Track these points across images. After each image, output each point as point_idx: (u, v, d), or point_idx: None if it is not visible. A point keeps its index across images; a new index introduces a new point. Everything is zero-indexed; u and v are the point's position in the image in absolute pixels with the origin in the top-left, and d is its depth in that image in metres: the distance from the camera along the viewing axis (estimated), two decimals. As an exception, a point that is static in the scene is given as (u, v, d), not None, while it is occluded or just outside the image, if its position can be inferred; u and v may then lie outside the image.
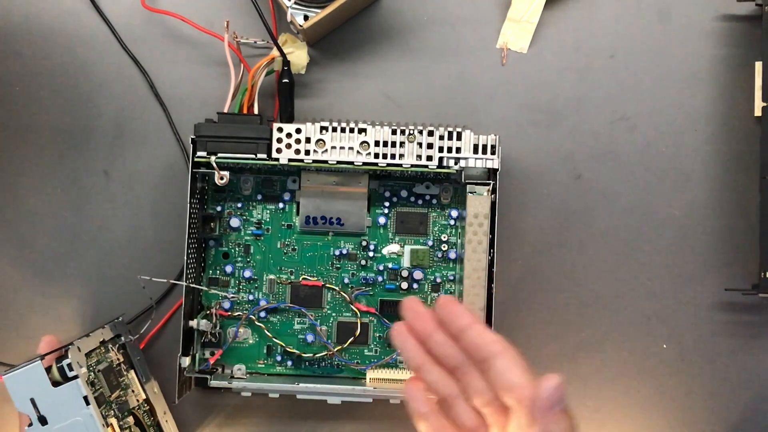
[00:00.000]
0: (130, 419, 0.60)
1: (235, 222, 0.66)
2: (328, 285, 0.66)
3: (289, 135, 0.61)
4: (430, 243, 0.66)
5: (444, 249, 0.65)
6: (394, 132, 0.61)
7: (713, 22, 0.68)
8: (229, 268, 0.65)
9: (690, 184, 0.67)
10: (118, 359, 0.61)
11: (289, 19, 0.62)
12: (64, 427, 0.54)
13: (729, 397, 0.67)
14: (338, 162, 0.61)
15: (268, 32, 0.63)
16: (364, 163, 0.61)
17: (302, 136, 0.61)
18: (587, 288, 0.67)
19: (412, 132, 0.61)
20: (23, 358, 0.56)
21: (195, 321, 0.63)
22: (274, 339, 0.65)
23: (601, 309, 0.67)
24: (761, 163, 0.63)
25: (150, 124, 0.68)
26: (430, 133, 0.61)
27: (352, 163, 0.61)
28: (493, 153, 0.61)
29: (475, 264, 0.60)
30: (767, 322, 0.67)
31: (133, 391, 0.62)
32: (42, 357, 0.54)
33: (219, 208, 0.66)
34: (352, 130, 0.61)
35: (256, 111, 0.63)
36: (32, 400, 0.54)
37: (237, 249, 0.66)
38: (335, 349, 0.65)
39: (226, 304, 0.65)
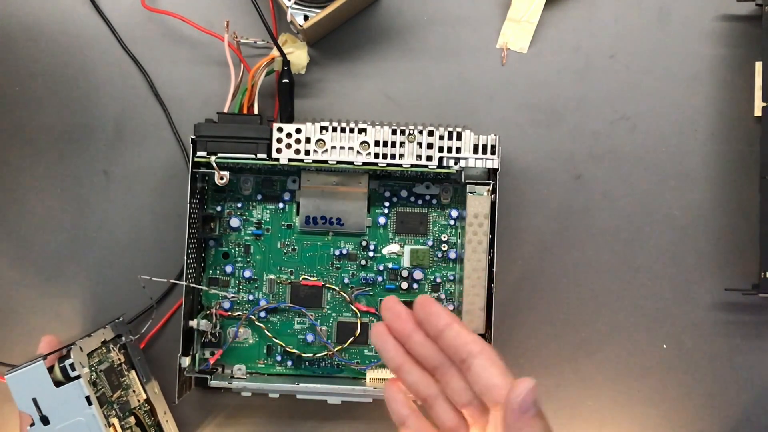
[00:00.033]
0: (132, 419, 0.60)
1: (235, 222, 0.66)
2: (328, 285, 0.66)
3: (289, 135, 0.61)
4: (430, 243, 0.66)
5: (444, 249, 0.65)
6: (394, 132, 0.61)
7: (713, 22, 0.68)
8: (229, 268, 0.65)
9: (690, 184, 0.67)
10: (119, 359, 0.61)
11: (289, 19, 0.62)
12: (66, 427, 0.54)
13: (729, 397, 0.67)
14: (338, 162, 0.61)
15: (268, 32, 0.63)
16: (364, 163, 0.61)
17: (302, 136, 0.61)
18: (587, 288, 0.67)
19: (412, 132, 0.61)
20: (23, 358, 0.57)
21: (195, 321, 0.63)
22: (274, 339, 0.65)
23: (601, 309, 0.67)
24: (761, 163, 0.63)
25: (150, 124, 0.68)
26: (430, 133, 0.61)
27: (352, 163, 0.61)
28: (493, 153, 0.61)
29: (475, 264, 0.60)
30: (767, 322, 0.67)
31: (134, 391, 0.62)
32: (44, 357, 0.54)
33: (219, 208, 0.66)
34: (352, 130, 0.61)
35: (256, 111, 0.63)
36: (34, 400, 0.54)
37: (237, 249, 0.66)
38: (335, 349, 0.65)
39: (226, 304, 0.65)
